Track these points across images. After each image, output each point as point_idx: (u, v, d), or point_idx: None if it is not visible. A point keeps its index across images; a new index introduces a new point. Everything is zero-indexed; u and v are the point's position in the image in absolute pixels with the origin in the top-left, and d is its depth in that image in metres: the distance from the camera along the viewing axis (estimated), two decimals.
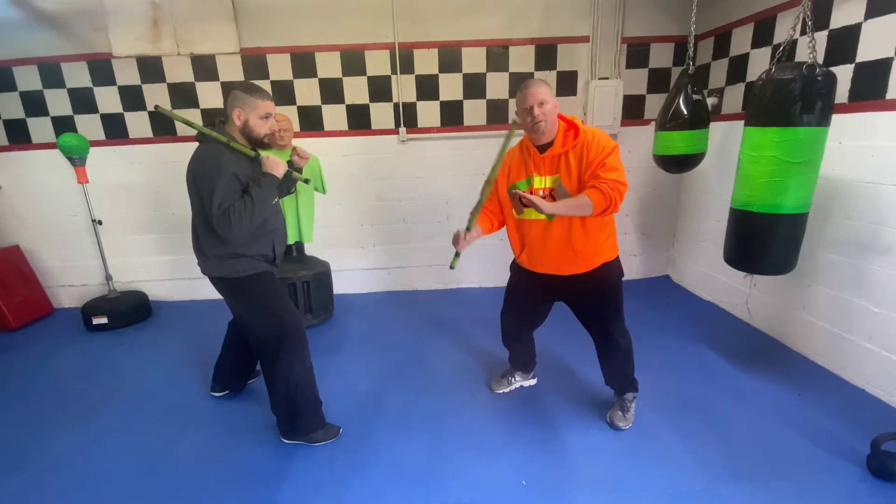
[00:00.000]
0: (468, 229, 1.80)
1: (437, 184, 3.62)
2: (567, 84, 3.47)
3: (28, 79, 3.32)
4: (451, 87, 3.45)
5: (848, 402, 2.15)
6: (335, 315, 3.39)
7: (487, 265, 3.75)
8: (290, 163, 1.94)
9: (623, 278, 1.96)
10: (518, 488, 1.72)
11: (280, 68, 3.36)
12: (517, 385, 2.36)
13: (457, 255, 1.83)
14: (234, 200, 1.66)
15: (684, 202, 3.70)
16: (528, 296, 2.08)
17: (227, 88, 3.33)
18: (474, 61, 3.40)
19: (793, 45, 2.44)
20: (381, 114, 3.49)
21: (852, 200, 2.26)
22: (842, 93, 2.23)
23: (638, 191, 3.69)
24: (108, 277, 3.48)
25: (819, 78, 1.80)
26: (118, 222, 3.57)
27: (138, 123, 3.44)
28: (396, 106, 3.46)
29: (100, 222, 3.35)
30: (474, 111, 3.51)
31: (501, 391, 2.33)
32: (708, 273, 3.40)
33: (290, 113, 3.42)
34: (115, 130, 3.45)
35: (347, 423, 2.08)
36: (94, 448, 2.02)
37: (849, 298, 2.30)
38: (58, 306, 3.76)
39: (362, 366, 2.65)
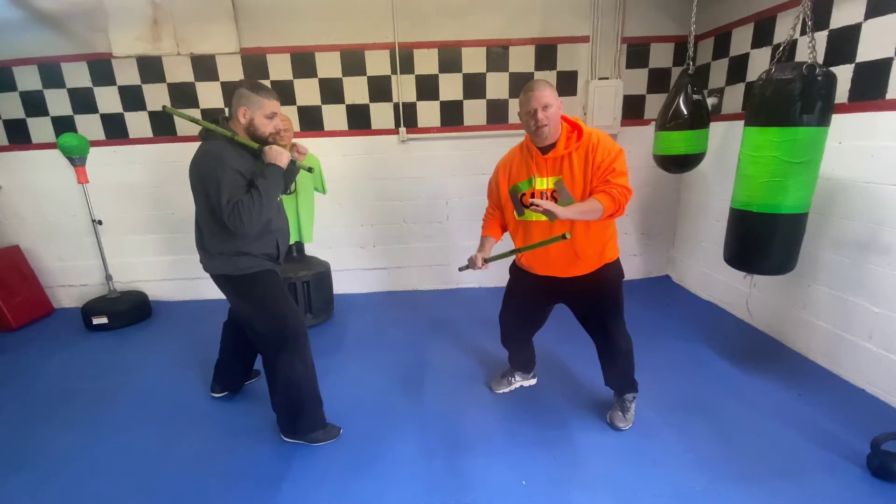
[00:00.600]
0: (486, 260, 1.86)
1: (437, 184, 3.61)
2: (567, 84, 3.47)
3: (28, 79, 3.32)
4: (451, 87, 3.45)
5: (848, 402, 2.15)
6: (335, 315, 3.40)
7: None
8: None
9: (623, 279, 1.96)
10: (518, 488, 1.72)
11: (280, 68, 3.36)
12: (517, 385, 2.36)
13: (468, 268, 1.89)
14: (241, 195, 1.66)
15: (684, 202, 3.70)
16: (527, 297, 2.08)
17: (228, 88, 3.36)
18: (474, 61, 3.40)
19: (793, 45, 2.44)
20: (381, 114, 3.49)
21: (852, 200, 2.25)
22: (842, 93, 2.23)
23: (638, 191, 3.65)
24: (108, 277, 3.48)
25: (819, 78, 1.80)
26: (118, 222, 3.57)
27: (138, 123, 3.44)
28: (396, 106, 3.46)
29: (100, 222, 3.36)
30: (474, 111, 3.51)
31: (501, 391, 2.33)
32: (708, 273, 3.40)
33: (291, 113, 3.42)
34: (115, 130, 3.45)
35: (347, 422, 2.08)
36: (95, 448, 2.02)
37: (849, 298, 2.30)
38: (58, 306, 3.76)
39: (362, 366, 2.65)
